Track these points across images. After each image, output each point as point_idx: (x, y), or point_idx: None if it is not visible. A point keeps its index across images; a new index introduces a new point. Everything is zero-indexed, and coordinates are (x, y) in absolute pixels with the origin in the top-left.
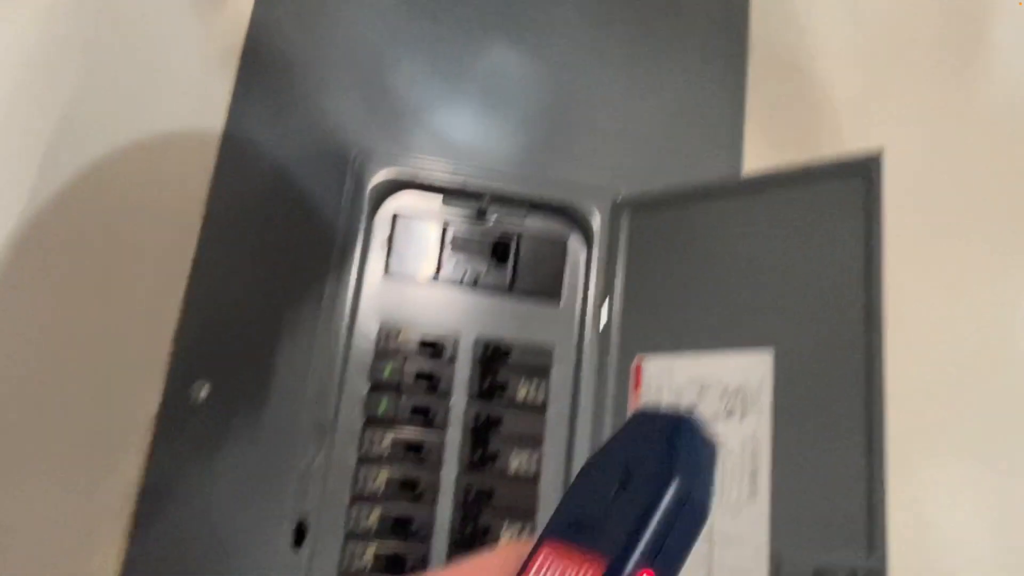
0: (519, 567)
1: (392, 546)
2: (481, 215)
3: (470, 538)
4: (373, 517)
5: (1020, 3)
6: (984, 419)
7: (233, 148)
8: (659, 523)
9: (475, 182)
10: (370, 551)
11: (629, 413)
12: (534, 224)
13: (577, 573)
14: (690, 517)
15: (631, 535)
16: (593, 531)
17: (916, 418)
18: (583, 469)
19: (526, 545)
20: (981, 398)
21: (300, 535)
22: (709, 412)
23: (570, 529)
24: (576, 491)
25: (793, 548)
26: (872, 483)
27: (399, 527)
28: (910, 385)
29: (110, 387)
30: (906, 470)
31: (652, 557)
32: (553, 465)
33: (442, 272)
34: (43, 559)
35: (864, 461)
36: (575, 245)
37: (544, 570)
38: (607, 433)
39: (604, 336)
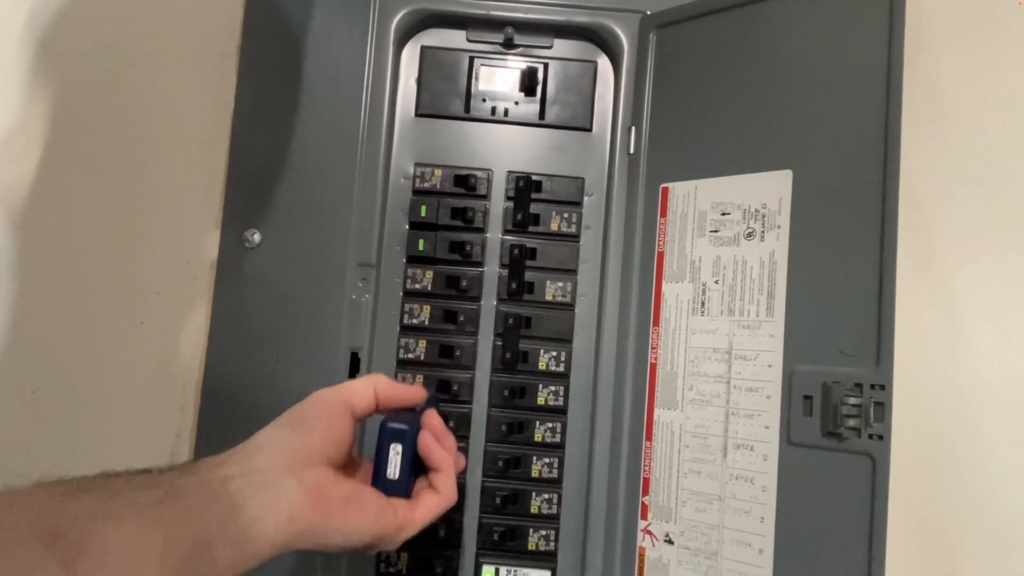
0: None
1: (439, 373)
2: (508, 44)
3: (511, 363)
4: (420, 347)
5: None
6: None
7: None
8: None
9: (499, 11)
10: (419, 380)
11: (656, 239)
12: (561, 51)
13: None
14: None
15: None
16: None
17: (959, 217)
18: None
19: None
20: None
21: (354, 365)
22: (730, 235)
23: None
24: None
25: (804, 363)
26: (883, 299)
27: (445, 354)
28: (954, 182)
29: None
30: (944, 271)
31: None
32: (587, 291)
33: (472, 108)
34: (134, 390)
35: (875, 278)
36: (604, 70)
37: None
38: (637, 257)
39: (633, 163)
